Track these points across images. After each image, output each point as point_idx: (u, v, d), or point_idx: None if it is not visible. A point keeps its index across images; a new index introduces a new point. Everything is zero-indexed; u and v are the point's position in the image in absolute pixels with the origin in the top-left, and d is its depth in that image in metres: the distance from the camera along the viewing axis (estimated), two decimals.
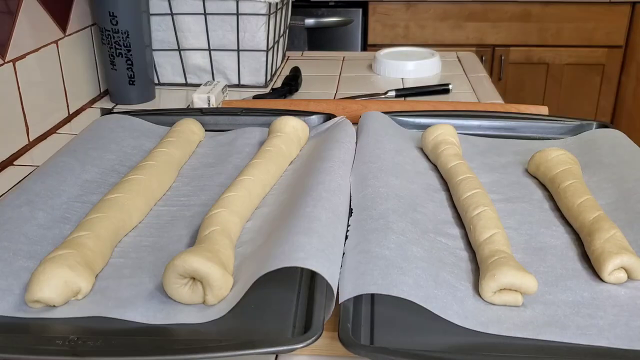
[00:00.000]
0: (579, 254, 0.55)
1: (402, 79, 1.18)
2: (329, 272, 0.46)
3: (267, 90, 1.09)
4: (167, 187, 0.67)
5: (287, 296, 0.49)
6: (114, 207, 0.58)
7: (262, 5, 1.04)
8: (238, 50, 1.08)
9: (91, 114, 1.00)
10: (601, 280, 0.51)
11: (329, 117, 0.83)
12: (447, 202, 0.65)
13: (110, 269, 0.53)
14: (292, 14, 1.35)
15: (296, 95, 1.08)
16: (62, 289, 0.47)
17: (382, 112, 0.83)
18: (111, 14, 0.96)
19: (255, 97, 1.03)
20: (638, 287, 0.51)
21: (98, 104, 1.05)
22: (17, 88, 0.83)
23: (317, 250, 0.48)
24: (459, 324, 0.46)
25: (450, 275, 0.51)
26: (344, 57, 1.35)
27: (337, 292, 0.46)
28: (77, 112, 1.00)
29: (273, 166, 0.67)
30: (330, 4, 2.10)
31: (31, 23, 0.86)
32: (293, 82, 1.09)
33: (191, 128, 0.78)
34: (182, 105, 1.03)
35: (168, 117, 0.84)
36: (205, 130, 0.82)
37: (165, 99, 1.08)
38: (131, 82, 1.02)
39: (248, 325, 0.46)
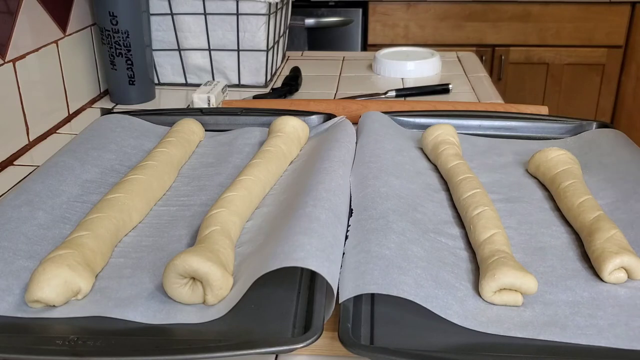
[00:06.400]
0: (579, 254, 0.55)
1: (402, 79, 1.17)
2: (329, 272, 0.46)
3: (267, 90, 1.09)
4: (167, 187, 0.67)
5: (287, 296, 0.49)
6: (114, 207, 0.58)
7: (262, 5, 1.04)
8: (238, 50, 1.08)
9: (91, 114, 1.00)
10: (601, 280, 0.51)
11: (329, 117, 0.83)
12: (447, 202, 0.65)
13: (110, 268, 0.53)
14: (292, 14, 1.35)
15: (296, 95, 1.08)
16: (62, 288, 0.47)
17: (382, 112, 0.83)
18: (111, 14, 0.96)
19: (255, 97, 1.03)
20: (638, 287, 0.51)
21: (98, 104, 1.04)
22: (17, 88, 0.83)
23: (317, 250, 0.48)
24: (459, 324, 0.46)
25: (450, 275, 0.51)
26: (344, 57, 1.35)
27: (337, 292, 0.47)
28: (77, 112, 1.00)
29: (273, 166, 0.67)
30: (330, 4, 2.10)
31: (31, 23, 0.86)
32: (293, 82, 1.09)
33: (191, 128, 0.78)
34: (182, 105, 1.03)
35: (168, 117, 0.84)
36: (205, 130, 0.82)
37: (165, 99, 1.08)
38: (131, 82, 1.02)
39: (248, 325, 0.46)
